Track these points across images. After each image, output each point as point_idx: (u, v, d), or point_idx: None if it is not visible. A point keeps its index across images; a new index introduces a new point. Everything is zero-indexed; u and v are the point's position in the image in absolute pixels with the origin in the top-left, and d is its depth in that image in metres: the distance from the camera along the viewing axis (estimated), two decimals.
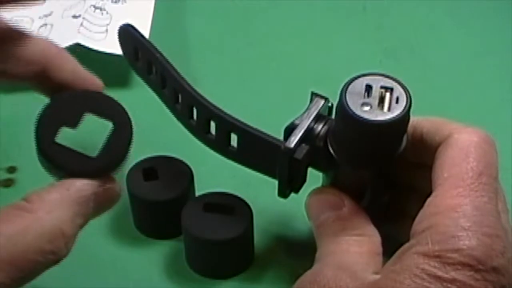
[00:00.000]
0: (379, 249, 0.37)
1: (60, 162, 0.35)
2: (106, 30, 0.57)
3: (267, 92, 0.55)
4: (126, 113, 0.36)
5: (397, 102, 0.36)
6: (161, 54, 0.43)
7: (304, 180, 0.41)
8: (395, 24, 0.62)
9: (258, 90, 0.56)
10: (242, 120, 0.41)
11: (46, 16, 0.60)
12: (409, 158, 0.39)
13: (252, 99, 0.54)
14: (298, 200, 0.41)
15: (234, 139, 0.41)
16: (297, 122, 0.39)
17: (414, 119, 0.38)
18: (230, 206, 0.43)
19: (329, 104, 0.41)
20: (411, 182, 0.41)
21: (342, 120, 0.37)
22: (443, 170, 0.35)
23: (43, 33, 0.57)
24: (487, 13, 0.62)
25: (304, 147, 0.39)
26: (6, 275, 0.31)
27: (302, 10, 0.63)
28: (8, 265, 0.31)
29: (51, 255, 0.32)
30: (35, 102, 0.54)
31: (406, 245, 0.34)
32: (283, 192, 0.41)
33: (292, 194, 0.41)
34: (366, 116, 0.36)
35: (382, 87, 0.37)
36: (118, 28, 0.46)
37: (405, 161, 0.39)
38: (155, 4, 0.58)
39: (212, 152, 0.44)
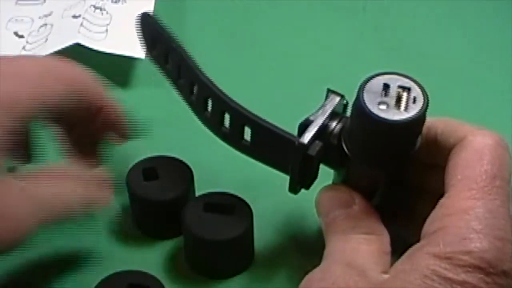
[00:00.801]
0: (388, 248, 0.37)
1: None
2: (106, 30, 0.57)
3: (266, 92, 0.55)
4: None
5: (414, 102, 0.36)
6: (178, 44, 0.43)
7: (315, 177, 0.41)
8: (395, 24, 0.62)
9: (258, 90, 0.56)
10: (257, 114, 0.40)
11: (46, 16, 0.60)
12: (421, 158, 0.39)
13: (252, 99, 0.54)
14: (298, 200, 0.41)
15: (247, 133, 0.41)
16: (311, 118, 0.39)
17: (428, 119, 0.38)
18: (230, 206, 0.43)
19: (344, 102, 0.41)
20: (422, 182, 0.40)
21: (358, 118, 0.37)
22: (456, 171, 0.35)
23: (43, 33, 0.57)
24: (487, 13, 0.62)
25: (318, 144, 0.39)
26: None
27: (302, 10, 0.63)
28: None
29: None
30: None
31: (417, 245, 0.34)
32: (294, 188, 0.40)
33: (291, 195, 0.41)
34: (382, 115, 0.36)
35: (399, 87, 0.37)
36: (138, 15, 0.45)
37: (417, 161, 0.39)
38: (155, 4, 0.58)
39: (212, 152, 0.44)
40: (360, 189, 0.39)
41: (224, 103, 0.41)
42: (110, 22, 0.57)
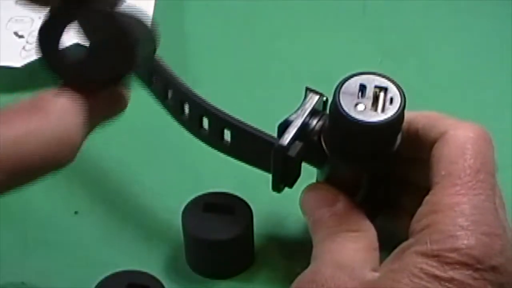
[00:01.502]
0: (376, 244, 0.37)
1: (65, 70, 0.34)
2: None
3: (266, 92, 0.55)
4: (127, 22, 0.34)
5: (391, 102, 0.36)
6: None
7: (298, 175, 0.41)
8: (395, 24, 0.62)
9: (257, 90, 0.56)
10: (235, 116, 0.40)
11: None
12: (404, 153, 0.39)
13: (251, 99, 0.54)
14: (297, 199, 0.41)
15: (227, 134, 0.41)
16: (291, 118, 0.39)
17: (409, 114, 0.38)
18: (230, 206, 0.43)
19: (324, 99, 0.41)
20: (406, 176, 0.40)
21: (335, 120, 0.37)
22: (440, 168, 0.35)
23: None
24: (487, 13, 0.62)
25: (298, 144, 0.39)
26: (4, 174, 0.30)
27: (302, 10, 0.63)
28: (9, 165, 0.30)
29: (53, 161, 0.32)
30: None
31: (405, 243, 0.34)
32: (277, 187, 0.41)
33: (291, 194, 0.41)
34: (359, 117, 0.36)
35: (376, 87, 0.37)
36: None
37: (400, 156, 0.39)
38: (155, 4, 0.58)
39: (212, 151, 0.44)
40: (343, 186, 0.39)
41: (200, 108, 0.41)
42: None
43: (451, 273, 0.32)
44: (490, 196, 0.34)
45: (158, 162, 0.50)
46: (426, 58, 0.59)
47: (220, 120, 0.41)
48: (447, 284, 0.31)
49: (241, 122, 0.40)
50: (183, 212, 0.43)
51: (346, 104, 0.36)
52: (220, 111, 0.41)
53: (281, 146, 0.38)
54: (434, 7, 0.63)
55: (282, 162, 0.39)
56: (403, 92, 0.37)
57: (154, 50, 0.36)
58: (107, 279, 0.41)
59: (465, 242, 0.32)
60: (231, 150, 0.42)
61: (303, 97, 0.41)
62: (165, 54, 0.43)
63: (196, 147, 0.44)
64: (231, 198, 0.44)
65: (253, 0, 0.63)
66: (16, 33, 0.59)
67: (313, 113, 0.40)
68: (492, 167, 0.36)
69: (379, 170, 0.40)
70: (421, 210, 0.35)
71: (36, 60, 0.52)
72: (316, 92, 0.41)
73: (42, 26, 0.34)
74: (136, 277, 0.41)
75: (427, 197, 0.35)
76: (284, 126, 0.39)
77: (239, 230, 0.42)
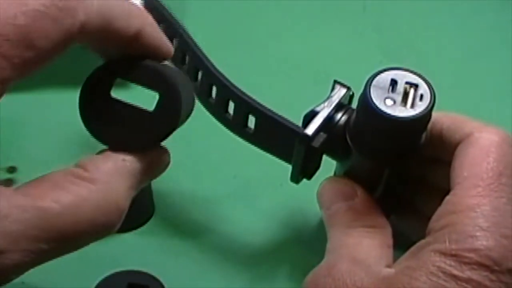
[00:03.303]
0: (391, 241, 0.37)
1: (110, 135, 0.33)
2: None
3: (266, 92, 0.55)
4: (175, 83, 0.33)
5: (421, 99, 0.36)
6: (184, 30, 0.43)
7: (318, 167, 0.41)
8: (395, 24, 0.62)
9: (257, 90, 0.55)
10: (261, 102, 0.40)
11: None
12: (425, 153, 0.39)
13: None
14: (299, 199, 0.41)
15: (251, 121, 0.41)
16: (317, 109, 0.39)
17: (434, 114, 0.37)
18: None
19: (350, 93, 0.41)
20: (424, 176, 0.40)
21: (364, 113, 0.37)
22: (462, 168, 0.35)
23: None
24: (487, 13, 0.62)
25: (322, 136, 0.39)
26: (53, 244, 0.29)
27: (302, 10, 0.63)
28: (58, 235, 0.29)
29: (102, 228, 0.31)
30: (35, 102, 0.54)
31: (423, 241, 0.34)
32: (296, 177, 0.40)
33: (292, 195, 0.41)
34: (388, 111, 0.36)
35: (407, 83, 0.37)
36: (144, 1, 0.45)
37: (421, 156, 0.39)
38: None
39: (212, 151, 0.44)
40: (362, 182, 0.39)
41: (229, 91, 0.41)
42: None
43: (468, 273, 0.32)
44: (511, 199, 0.34)
45: None
46: (426, 58, 0.59)
47: (246, 105, 0.40)
48: (464, 284, 0.31)
49: (267, 109, 0.40)
50: None
51: (376, 98, 0.36)
52: (246, 95, 0.41)
53: (306, 136, 0.38)
54: (434, 6, 0.63)
55: (304, 152, 0.39)
56: (433, 91, 0.37)
57: (193, 107, 0.36)
58: (107, 279, 0.41)
59: (484, 243, 0.32)
60: (254, 137, 0.41)
61: (330, 89, 0.41)
62: (188, 31, 0.43)
63: (196, 148, 0.44)
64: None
65: (253, 0, 0.63)
66: None
67: (339, 106, 0.40)
68: None
69: (401, 167, 0.40)
70: (441, 209, 0.35)
71: None
72: (344, 85, 0.41)
73: (87, 83, 0.33)
74: (136, 277, 0.41)
75: (448, 197, 0.35)
76: (310, 117, 0.39)
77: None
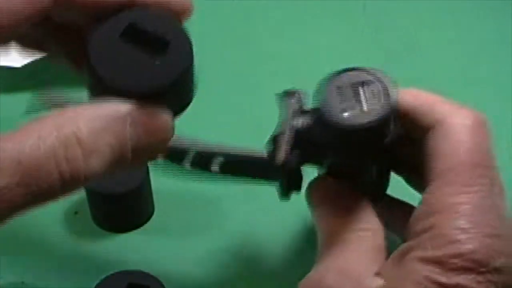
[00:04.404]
0: (383, 243, 0.35)
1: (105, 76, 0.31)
2: None
3: (266, 92, 0.55)
4: (184, 28, 0.33)
5: (377, 98, 0.35)
6: None
7: (302, 178, 0.39)
8: (395, 24, 0.62)
9: (257, 90, 0.55)
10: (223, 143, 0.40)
11: None
12: (403, 135, 0.37)
13: (251, 99, 0.54)
14: (299, 199, 0.41)
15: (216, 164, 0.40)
16: (280, 130, 0.38)
17: (402, 93, 0.36)
18: None
19: (302, 95, 0.39)
20: (409, 158, 0.38)
21: (320, 121, 0.36)
22: (436, 163, 0.34)
23: None
24: (487, 13, 0.62)
25: (295, 153, 0.37)
26: (17, 181, 0.28)
27: (301, 10, 0.63)
28: (15, 165, 0.28)
29: (66, 165, 0.28)
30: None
31: (404, 246, 0.33)
32: (286, 196, 0.39)
33: (292, 195, 0.41)
34: (345, 119, 0.34)
35: (361, 83, 0.35)
36: None
37: (399, 139, 0.37)
38: None
39: None
40: (345, 177, 0.37)
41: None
42: None
43: (455, 279, 0.31)
44: (489, 191, 0.33)
45: None
46: (426, 57, 0.59)
47: (207, 155, 0.39)
48: None
49: (231, 150, 0.39)
50: None
51: (331, 106, 0.35)
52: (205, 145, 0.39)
53: (278, 163, 0.37)
54: (434, 7, 0.63)
55: (283, 175, 0.38)
56: (390, 83, 0.35)
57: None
58: (107, 279, 0.41)
59: (468, 246, 0.31)
60: (221, 177, 0.40)
61: (279, 106, 0.39)
62: None
63: None
64: None
65: (252, 0, 0.63)
66: None
67: (296, 114, 0.38)
68: (489, 158, 0.34)
69: (376, 161, 0.38)
70: (419, 210, 0.34)
71: (36, 60, 0.52)
72: (290, 93, 0.39)
73: (96, 29, 0.32)
74: (136, 277, 0.41)
75: (424, 196, 0.34)
76: (275, 141, 0.38)
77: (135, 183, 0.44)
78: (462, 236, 0.32)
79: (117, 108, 0.30)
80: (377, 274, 0.34)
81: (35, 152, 0.28)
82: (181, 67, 0.32)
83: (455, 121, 0.35)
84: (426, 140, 0.35)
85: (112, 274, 0.41)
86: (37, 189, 0.28)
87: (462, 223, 0.32)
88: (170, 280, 0.43)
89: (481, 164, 0.34)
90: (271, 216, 0.47)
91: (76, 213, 0.47)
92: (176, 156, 0.39)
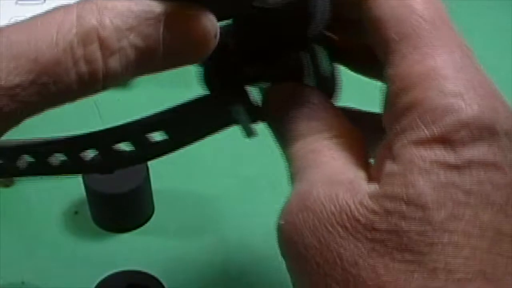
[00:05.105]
0: (366, 152, 0.29)
1: None
2: None
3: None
4: None
5: None
6: None
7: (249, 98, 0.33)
8: None
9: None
10: None
11: None
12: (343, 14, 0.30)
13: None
14: None
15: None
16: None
17: None
18: None
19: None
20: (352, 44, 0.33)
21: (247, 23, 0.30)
22: (387, 32, 0.27)
23: None
24: (487, 13, 0.62)
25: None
26: (32, 79, 0.25)
27: None
28: (31, 63, 0.25)
29: (83, 63, 0.25)
30: None
31: (387, 139, 0.26)
32: (249, 128, 0.33)
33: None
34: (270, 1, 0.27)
35: None
36: None
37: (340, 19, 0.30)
38: None
39: (212, 151, 0.44)
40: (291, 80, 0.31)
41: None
42: None
43: (467, 154, 0.25)
44: (463, 51, 0.27)
45: None
46: None
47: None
48: (467, 170, 0.25)
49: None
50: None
51: None
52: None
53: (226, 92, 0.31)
54: None
55: (236, 99, 0.32)
56: None
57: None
58: (107, 279, 0.41)
59: (469, 112, 0.25)
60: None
61: None
62: None
63: (196, 148, 0.44)
64: None
65: None
66: None
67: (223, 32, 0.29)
68: (449, 16, 0.29)
69: (312, 51, 0.32)
70: (391, 90, 0.27)
71: None
72: None
73: None
74: (136, 277, 0.41)
75: (388, 72, 0.27)
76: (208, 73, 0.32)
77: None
78: (455, 102, 0.25)
79: (151, 6, 0.26)
80: (369, 178, 0.27)
81: (53, 50, 0.25)
82: None
83: None
84: (370, 11, 0.28)
85: (112, 274, 0.41)
86: (54, 88, 0.26)
87: (451, 87, 0.26)
88: (170, 280, 0.43)
89: (444, 21, 0.29)
90: (270, 216, 0.47)
91: (76, 213, 0.47)
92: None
